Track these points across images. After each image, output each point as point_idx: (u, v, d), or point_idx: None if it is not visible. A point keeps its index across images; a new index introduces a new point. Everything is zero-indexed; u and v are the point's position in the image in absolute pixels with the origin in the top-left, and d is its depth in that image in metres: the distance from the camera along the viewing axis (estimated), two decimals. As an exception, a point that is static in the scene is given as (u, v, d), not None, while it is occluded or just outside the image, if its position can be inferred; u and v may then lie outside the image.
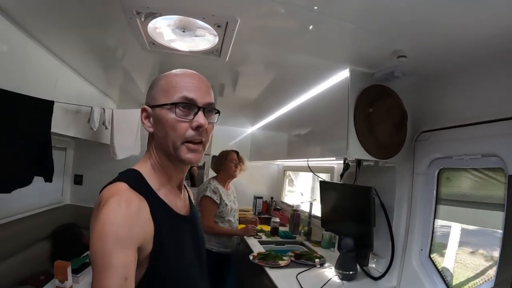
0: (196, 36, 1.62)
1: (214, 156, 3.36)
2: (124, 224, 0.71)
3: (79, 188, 3.61)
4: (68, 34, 1.77)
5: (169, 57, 1.94)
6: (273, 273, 2.12)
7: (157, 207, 0.82)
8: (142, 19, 1.41)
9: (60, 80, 2.22)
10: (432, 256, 1.78)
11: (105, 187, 0.81)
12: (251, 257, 2.41)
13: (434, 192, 1.78)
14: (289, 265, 2.29)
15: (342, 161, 2.46)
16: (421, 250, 1.81)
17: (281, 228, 3.45)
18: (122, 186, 0.79)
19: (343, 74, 1.92)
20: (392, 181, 1.98)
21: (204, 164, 4.40)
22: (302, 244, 3.09)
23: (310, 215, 3.29)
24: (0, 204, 2.24)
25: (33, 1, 1.42)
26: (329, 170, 3.02)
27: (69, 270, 1.85)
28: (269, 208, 4.39)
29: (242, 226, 3.10)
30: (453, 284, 1.66)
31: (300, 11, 1.29)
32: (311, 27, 1.39)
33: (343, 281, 2.01)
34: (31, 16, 1.60)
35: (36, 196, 2.77)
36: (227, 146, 4.18)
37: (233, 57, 1.83)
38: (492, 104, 1.45)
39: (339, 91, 1.96)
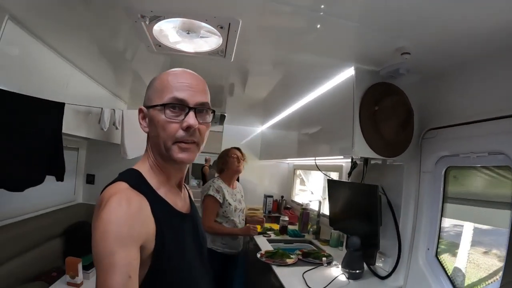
0: (201, 37, 1.64)
1: None
2: (125, 223, 0.71)
3: (91, 187, 3.68)
4: (78, 37, 1.81)
5: (178, 58, 1.97)
6: (280, 271, 2.13)
7: (158, 205, 0.82)
8: (147, 22, 1.44)
9: (71, 83, 2.28)
10: (440, 256, 1.76)
11: (106, 187, 0.81)
12: (258, 255, 2.43)
13: (441, 190, 1.76)
14: (297, 264, 2.30)
15: (350, 160, 2.46)
16: (428, 249, 1.79)
17: (290, 227, 3.46)
18: (123, 185, 0.80)
19: (348, 73, 1.91)
20: (399, 180, 1.96)
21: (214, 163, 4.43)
22: (310, 242, 3.10)
23: (319, 214, 3.28)
24: (14, 203, 2.31)
25: (43, 7, 1.46)
26: (337, 168, 3.02)
27: (80, 266, 1.90)
28: (279, 207, 4.40)
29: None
30: (465, 284, 1.63)
31: (303, 11, 1.30)
32: (318, 25, 1.40)
33: (350, 280, 2.01)
34: (43, 22, 1.65)
35: (50, 195, 2.84)
36: (238, 145, 4.19)
37: (239, 57, 1.85)
38: (499, 101, 1.43)
39: (345, 89, 1.96)
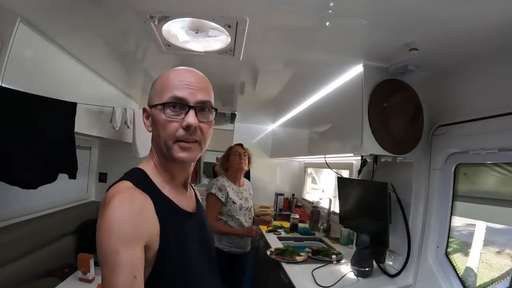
0: (209, 36, 1.66)
1: None
2: (128, 222, 0.71)
3: (103, 186, 3.73)
4: (89, 38, 1.85)
5: (187, 57, 1.99)
6: (289, 268, 2.15)
7: (162, 204, 0.82)
8: (156, 22, 1.47)
9: (83, 83, 2.32)
10: (452, 256, 1.74)
11: (110, 186, 0.81)
12: (268, 253, 2.45)
13: (451, 188, 1.74)
14: (306, 261, 2.31)
15: (360, 157, 2.45)
16: (438, 247, 1.78)
17: (301, 225, 3.47)
18: (126, 184, 0.80)
19: (357, 70, 1.91)
20: (409, 177, 1.95)
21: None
22: (321, 240, 3.10)
23: (329, 212, 3.28)
24: (28, 200, 2.37)
25: (54, 10, 1.50)
26: (348, 166, 3.01)
27: (91, 262, 1.94)
28: (290, 205, 4.41)
29: (263, 226, 3.11)
30: (477, 284, 1.61)
31: (312, 10, 1.30)
32: (327, 23, 1.40)
33: (359, 278, 2.01)
34: (55, 24, 1.69)
35: (63, 194, 2.90)
36: (250, 144, 4.22)
37: (248, 56, 1.86)
38: (508, 97, 1.41)
39: (354, 86, 1.95)
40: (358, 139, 1.81)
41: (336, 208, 3.14)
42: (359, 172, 2.44)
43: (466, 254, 1.72)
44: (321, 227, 3.30)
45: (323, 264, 2.24)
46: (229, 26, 1.49)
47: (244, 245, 2.69)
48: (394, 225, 1.97)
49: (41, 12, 1.56)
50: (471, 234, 1.71)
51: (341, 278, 1.96)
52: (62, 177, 1.97)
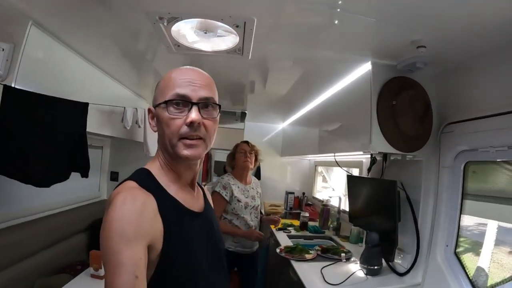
0: (218, 36, 1.68)
1: None
2: (129, 221, 0.71)
3: (115, 184, 3.70)
4: (100, 40, 1.89)
5: (197, 57, 2.00)
6: (298, 266, 2.16)
7: (166, 204, 0.82)
8: (165, 23, 1.49)
9: (95, 84, 2.37)
10: (463, 255, 1.72)
11: (116, 187, 0.82)
12: (278, 250, 2.47)
13: (460, 186, 1.72)
14: (315, 259, 2.32)
15: (369, 156, 2.44)
16: (447, 246, 1.76)
17: (311, 223, 3.48)
18: (130, 184, 0.81)
19: (366, 67, 1.91)
20: (418, 175, 1.94)
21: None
22: (330, 239, 3.10)
23: (339, 210, 3.28)
24: (42, 199, 2.42)
25: (66, 12, 1.53)
26: (358, 164, 3.00)
27: (103, 259, 1.97)
28: (300, 204, 4.41)
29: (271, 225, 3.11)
30: (488, 284, 1.59)
31: (320, 8, 1.30)
32: (336, 21, 1.40)
33: (368, 276, 2.00)
34: (66, 26, 1.72)
35: (76, 192, 2.96)
36: (260, 142, 4.21)
37: (257, 55, 1.88)
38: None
39: (362, 84, 1.95)
40: (367, 137, 1.81)
41: (346, 206, 3.13)
42: (369, 170, 2.44)
43: (478, 254, 1.70)
44: (331, 226, 3.30)
45: (332, 262, 2.24)
46: (237, 26, 1.51)
47: (250, 245, 2.66)
48: (403, 223, 1.96)
49: (53, 15, 1.59)
50: (482, 234, 1.69)
51: (350, 276, 1.97)
52: (75, 176, 2.00)
